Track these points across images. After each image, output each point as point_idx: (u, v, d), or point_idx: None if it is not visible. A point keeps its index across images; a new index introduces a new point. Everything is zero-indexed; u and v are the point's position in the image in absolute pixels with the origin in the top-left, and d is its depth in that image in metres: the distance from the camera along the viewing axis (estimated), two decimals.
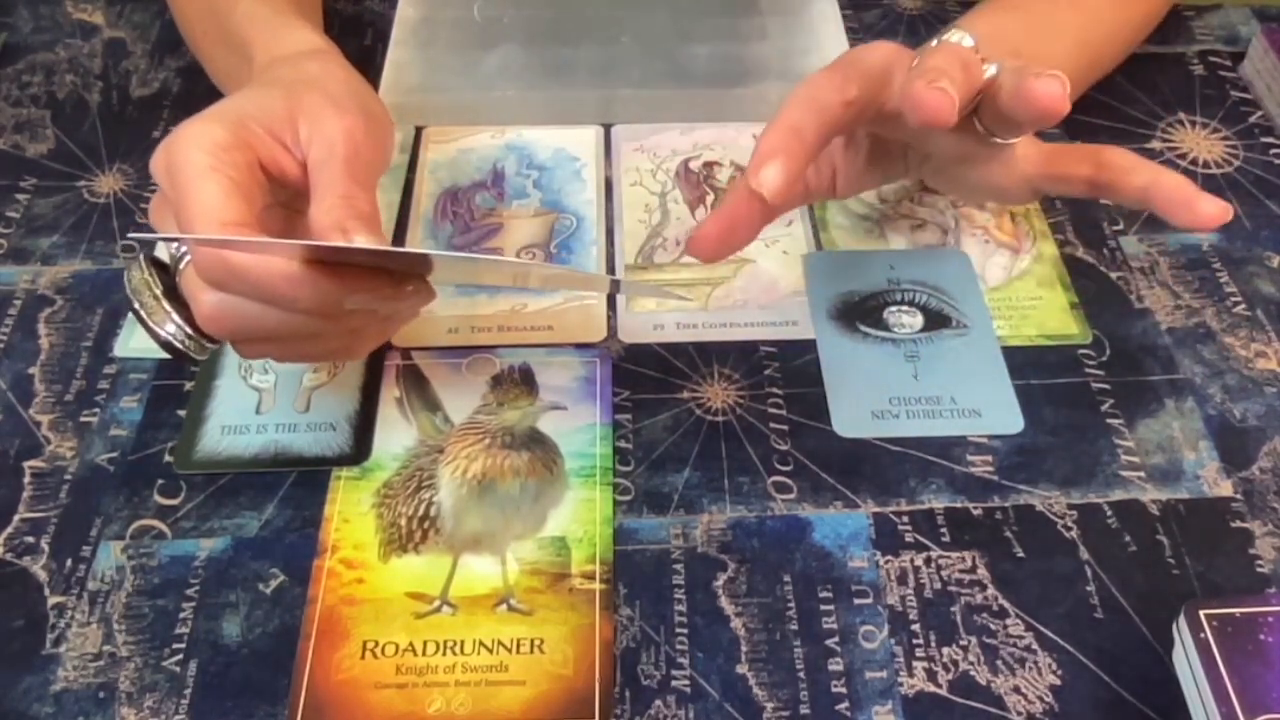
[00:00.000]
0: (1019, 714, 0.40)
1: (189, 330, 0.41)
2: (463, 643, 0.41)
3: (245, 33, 0.49)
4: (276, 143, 0.42)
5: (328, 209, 0.40)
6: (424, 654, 0.41)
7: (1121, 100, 0.63)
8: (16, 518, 0.45)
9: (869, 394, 0.49)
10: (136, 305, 0.42)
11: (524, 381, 0.49)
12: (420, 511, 0.45)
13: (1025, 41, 0.50)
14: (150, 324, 0.41)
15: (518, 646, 0.41)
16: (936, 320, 0.52)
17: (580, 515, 0.45)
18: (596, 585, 0.43)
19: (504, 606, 0.43)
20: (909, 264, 0.54)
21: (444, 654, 0.41)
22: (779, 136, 0.42)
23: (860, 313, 0.52)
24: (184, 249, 0.40)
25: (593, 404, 0.49)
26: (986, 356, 0.51)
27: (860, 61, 0.44)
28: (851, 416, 0.49)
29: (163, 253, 0.43)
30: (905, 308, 0.52)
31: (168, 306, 0.41)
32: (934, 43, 0.45)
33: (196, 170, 0.39)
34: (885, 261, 0.54)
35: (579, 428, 0.48)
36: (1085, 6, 0.55)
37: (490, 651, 0.41)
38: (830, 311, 0.52)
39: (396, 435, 0.48)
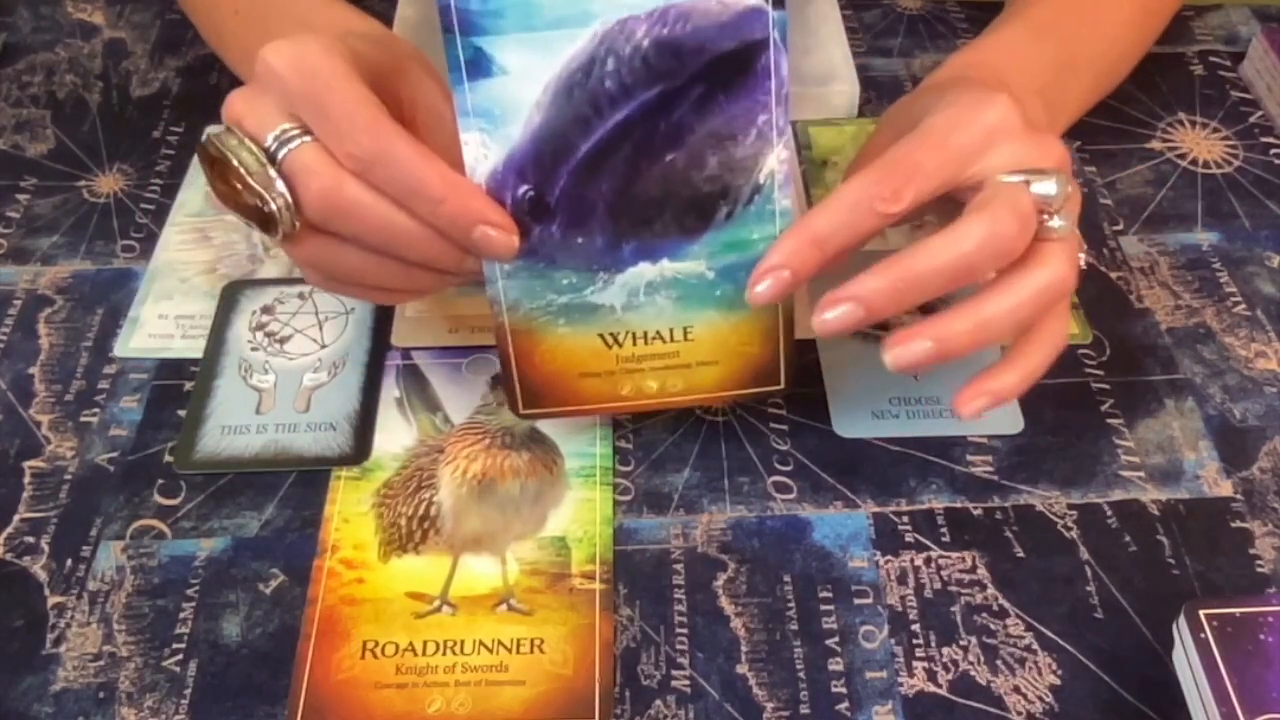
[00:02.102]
0: (1019, 714, 0.40)
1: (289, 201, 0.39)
2: (463, 643, 0.41)
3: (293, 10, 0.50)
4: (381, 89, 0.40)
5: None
6: (424, 654, 0.41)
7: (1121, 100, 0.63)
8: (16, 518, 0.45)
9: (869, 394, 0.49)
10: (235, 162, 0.39)
11: None
12: (420, 511, 0.45)
13: (1050, 84, 0.49)
14: (252, 183, 0.39)
15: (518, 646, 0.41)
16: None
17: (580, 515, 0.45)
18: (596, 585, 0.43)
19: (504, 606, 0.43)
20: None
21: (444, 654, 0.41)
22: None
23: None
24: (288, 140, 0.39)
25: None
26: (986, 357, 0.50)
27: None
28: (851, 416, 0.49)
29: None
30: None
31: (272, 174, 0.39)
32: (1006, 181, 0.39)
33: (342, 71, 0.38)
34: None
35: (579, 427, 0.48)
36: (1103, 32, 0.55)
37: (490, 651, 0.41)
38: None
39: (397, 435, 0.48)
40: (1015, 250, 0.38)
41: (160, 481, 0.47)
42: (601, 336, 0.42)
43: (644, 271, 0.41)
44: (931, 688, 0.41)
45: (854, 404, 0.49)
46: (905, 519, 0.46)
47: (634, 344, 0.42)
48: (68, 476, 0.47)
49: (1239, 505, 0.46)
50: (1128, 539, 0.45)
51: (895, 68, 0.66)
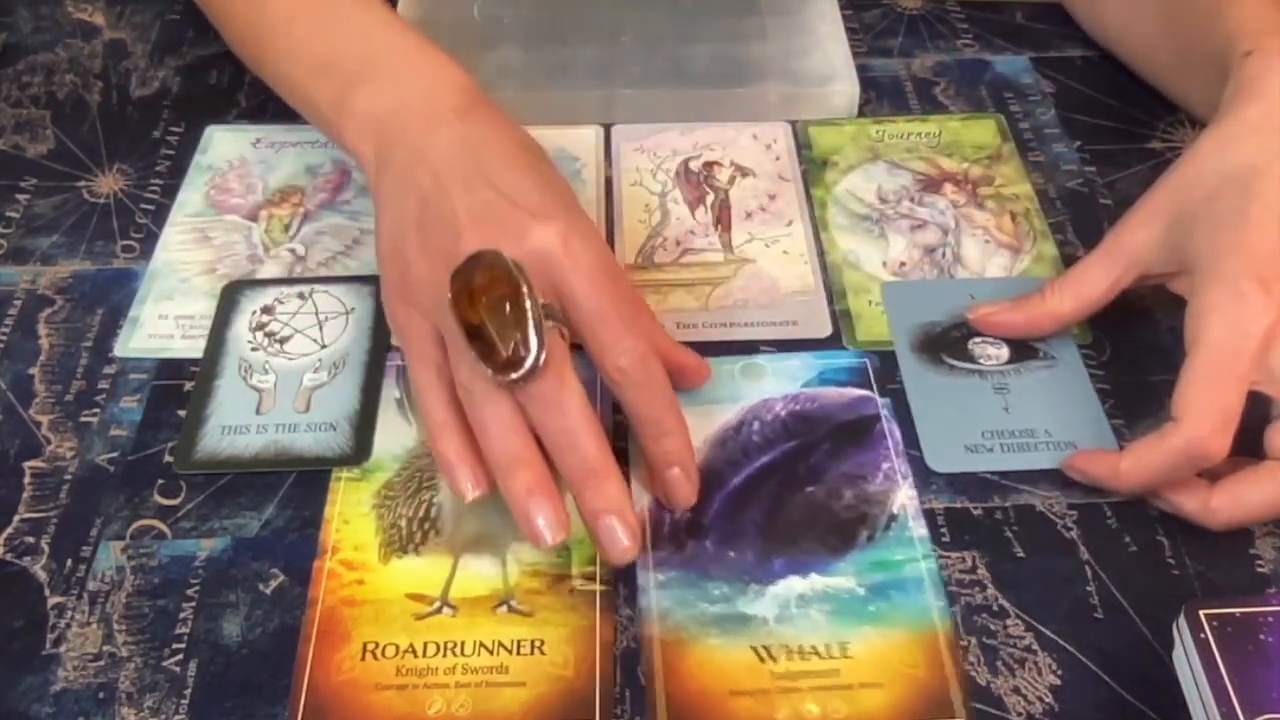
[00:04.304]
0: (1019, 714, 0.40)
1: None
2: (463, 644, 0.41)
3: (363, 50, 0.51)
4: None
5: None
6: (424, 655, 0.41)
7: (1121, 100, 0.63)
8: (16, 518, 0.45)
9: (960, 427, 0.48)
10: (527, 299, 0.40)
11: None
12: (420, 513, 0.45)
13: None
14: (530, 330, 0.40)
15: (518, 648, 0.41)
16: (1023, 352, 0.51)
17: (580, 516, 0.45)
18: (597, 586, 0.43)
19: (504, 608, 0.43)
20: (989, 293, 0.52)
21: (444, 655, 0.41)
22: None
23: (944, 344, 0.51)
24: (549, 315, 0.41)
25: (592, 404, 0.48)
26: (1078, 389, 0.49)
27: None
28: (944, 450, 0.47)
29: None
30: (990, 339, 0.51)
31: (544, 333, 0.40)
32: None
33: (625, 279, 0.45)
34: (965, 290, 0.53)
35: None
36: None
37: (490, 653, 0.41)
38: (913, 344, 0.51)
39: (397, 436, 0.48)
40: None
41: (160, 481, 0.46)
42: (754, 650, 0.41)
43: (794, 584, 0.43)
44: None
45: (945, 438, 0.48)
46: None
47: (789, 659, 0.41)
48: (68, 476, 0.47)
49: None
50: (1128, 539, 0.45)
51: (895, 68, 0.66)
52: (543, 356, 0.40)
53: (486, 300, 0.40)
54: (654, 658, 0.41)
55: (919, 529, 0.44)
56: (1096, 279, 0.49)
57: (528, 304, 0.40)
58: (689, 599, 0.42)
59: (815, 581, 0.43)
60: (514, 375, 0.40)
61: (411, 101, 0.48)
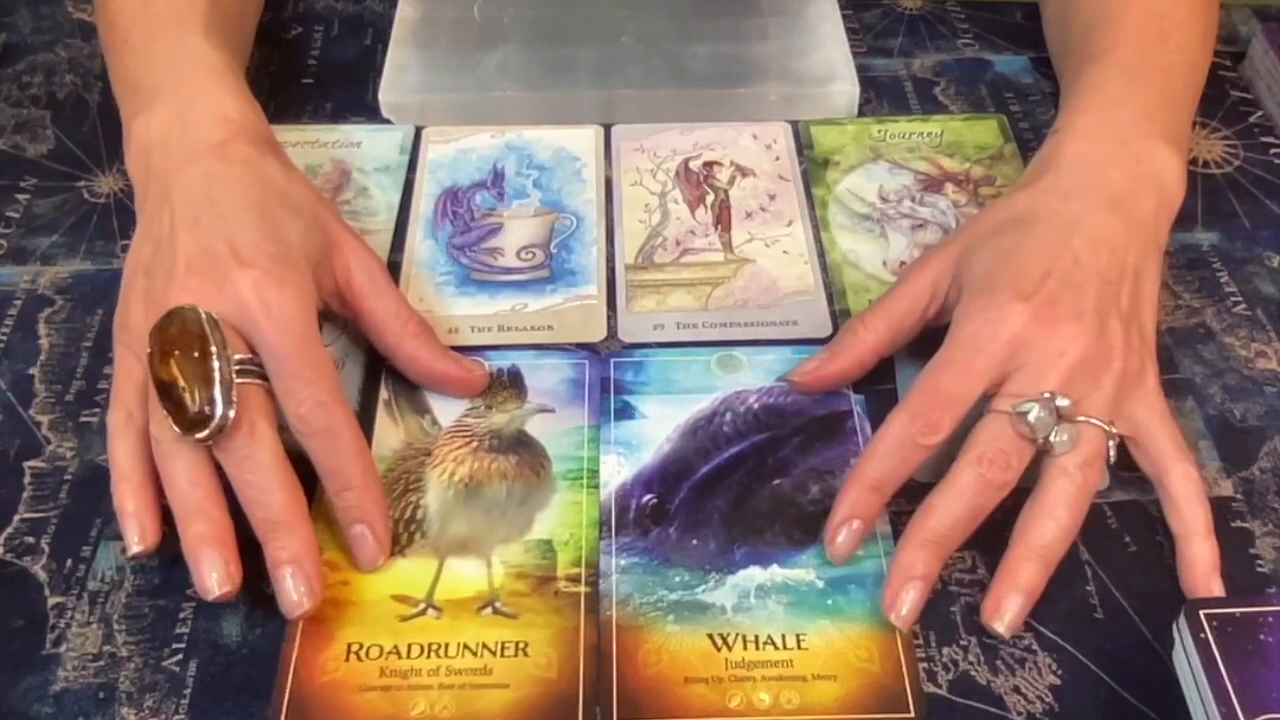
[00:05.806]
0: (1019, 714, 0.40)
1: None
2: (447, 645, 0.41)
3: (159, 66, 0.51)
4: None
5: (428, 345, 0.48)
6: (408, 656, 0.41)
7: None
8: (16, 518, 0.45)
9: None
10: (215, 359, 0.41)
11: (512, 384, 0.49)
12: (406, 515, 0.45)
13: (1155, 120, 0.49)
14: (217, 389, 0.41)
15: (502, 649, 0.41)
16: None
17: (566, 518, 0.45)
18: (582, 589, 0.43)
19: (489, 609, 0.42)
20: None
21: (428, 657, 0.41)
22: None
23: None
24: (245, 372, 0.42)
25: (581, 406, 0.48)
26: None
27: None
28: (931, 460, 0.45)
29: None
30: None
31: (234, 394, 0.41)
32: (995, 413, 0.42)
33: (313, 335, 0.43)
34: None
35: (567, 430, 0.48)
36: (1183, 46, 0.54)
37: (474, 654, 0.41)
38: (910, 348, 0.49)
39: (385, 438, 0.48)
40: (1008, 482, 0.42)
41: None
42: (710, 637, 0.41)
43: (754, 574, 0.43)
44: (931, 688, 0.41)
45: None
46: (906, 518, 0.45)
47: (744, 648, 0.41)
48: (68, 476, 0.47)
49: (1239, 505, 0.46)
50: (1128, 539, 0.45)
51: (895, 68, 0.66)
52: (230, 415, 0.41)
53: (181, 355, 0.41)
54: (610, 643, 0.41)
55: (881, 525, 0.44)
56: (904, 308, 0.47)
57: (215, 363, 0.41)
58: (649, 585, 0.43)
59: (775, 573, 0.43)
60: (199, 435, 0.41)
61: (174, 134, 0.48)
